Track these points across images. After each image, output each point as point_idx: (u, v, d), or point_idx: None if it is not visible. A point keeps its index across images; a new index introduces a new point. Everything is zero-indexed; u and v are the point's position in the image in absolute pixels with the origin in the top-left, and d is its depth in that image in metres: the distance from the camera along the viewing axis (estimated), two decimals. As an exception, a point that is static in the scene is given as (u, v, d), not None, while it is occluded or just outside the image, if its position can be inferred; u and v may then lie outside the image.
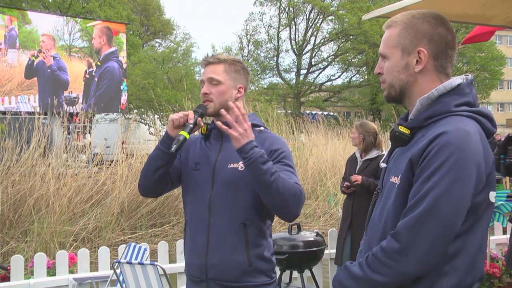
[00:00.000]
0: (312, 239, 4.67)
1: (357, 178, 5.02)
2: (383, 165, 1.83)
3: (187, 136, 2.30)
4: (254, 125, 2.47)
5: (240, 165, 2.34)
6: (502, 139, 4.93)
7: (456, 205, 1.53)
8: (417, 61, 1.70)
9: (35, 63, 17.46)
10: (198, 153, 2.48)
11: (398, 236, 1.56)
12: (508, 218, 5.18)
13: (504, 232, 6.31)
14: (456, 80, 1.69)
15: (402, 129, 1.71)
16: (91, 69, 18.99)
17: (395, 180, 1.68)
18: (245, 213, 2.34)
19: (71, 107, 17.55)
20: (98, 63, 19.03)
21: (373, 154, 5.18)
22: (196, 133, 2.57)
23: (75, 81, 18.45)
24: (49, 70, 17.83)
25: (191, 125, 2.33)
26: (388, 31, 1.77)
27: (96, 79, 18.89)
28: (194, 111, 2.39)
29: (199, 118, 2.37)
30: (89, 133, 12.28)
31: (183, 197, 2.56)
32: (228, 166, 2.37)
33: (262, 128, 2.52)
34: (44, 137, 9.83)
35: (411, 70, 1.71)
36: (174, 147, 2.26)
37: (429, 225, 1.53)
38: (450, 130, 1.56)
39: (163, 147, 2.38)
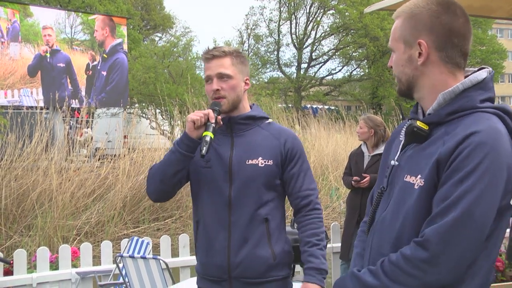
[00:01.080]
0: (314, 232, 4.66)
1: (365, 180, 4.97)
2: (393, 162, 1.68)
3: (212, 136, 2.21)
4: (262, 118, 2.44)
5: (260, 161, 2.31)
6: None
7: (490, 210, 1.43)
8: (419, 53, 1.58)
9: (48, 58, 17.50)
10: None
11: (427, 244, 1.43)
12: None
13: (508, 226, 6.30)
14: (482, 74, 1.58)
15: (420, 124, 1.58)
16: (94, 63, 18.92)
17: (413, 180, 1.55)
18: (266, 207, 2.32)
19: (73, 101, 17.56)
20: (105, 56, 18.93)
21: (382, 149, 5.11)
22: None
23: (78, 74, 18.45)
24: (63, 64, 17.83)
25: (214, 124, 2.24)
26: (395, 22, 1.66)
27: (103, 72, 18.77)
28: (212, 109, 2.29)
29: (219, 116, 2.29)
30: (90, 128, 12.30)
31: (194, 196, 2.45)
32: (247, 163, 2.31)
33: (270, 120, 2.47)
34: (47, 131, 9.83)
35: (414, 63, 1.59)
36: (204, 150, 2.16)
37: (463, 232, 1.41)
38: (483, 129, 1.45)
39: (183, 149, 2.25)
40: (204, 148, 2.17)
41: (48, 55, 17.58)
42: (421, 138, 1.58)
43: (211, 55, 2.35)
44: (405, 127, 1.64)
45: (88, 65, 18.76)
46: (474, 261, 1.47)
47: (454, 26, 1.56)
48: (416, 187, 1.53)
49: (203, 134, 2.21)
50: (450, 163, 1.46)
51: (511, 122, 1.55)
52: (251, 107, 2.48)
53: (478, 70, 1.62)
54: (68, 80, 18.08)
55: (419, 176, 1.53)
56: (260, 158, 2.31)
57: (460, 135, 1.47)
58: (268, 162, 2.32)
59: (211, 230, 2.35)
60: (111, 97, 18.41)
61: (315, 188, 2.43)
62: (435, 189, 1.49)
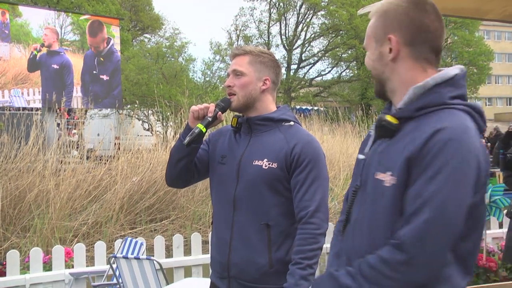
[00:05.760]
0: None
1: None
2: (361, 156, 1.66)
3: (204, 130, 2.25)
4: (283, 120, 2.38)
5: (265, 163, 2.26)
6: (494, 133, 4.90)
7: (462, 207, 1.43)
8: (390, 49, 1.59)
9: (37, 56, 17.30)
10: (226, 146, 2.40)
11: (404, 246, 1.43)
12: (505, 212, 5.20)
13: (501, 226, 6.33)
14: (453, 70, 1.57)
15: (389, 118, 1.56)
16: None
17: (383, 177, 1.53)
18: (269, 213, 2.26)
19: (70, 102, 17.43)
20: (101, 59, 18.77)
21: None
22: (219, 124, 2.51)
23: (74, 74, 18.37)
24: (56, 66, 17.66)
25: (210, 119, 2.28)
26: (370, 21, 1.68)
27: (95, 71, 18.62)
28: (216, 104, 2.33)
29: (220, 112, 2.31)
30: (78, 129, 12.26)
31: (210, 191, 2.50)
32: (253, 163, 2.28)
33: (292, 122, 2.39)
34: (42, 132, 9.80)
35: (385, 59, 1.61)
36: (187, 140, 2.25)
37: (438, 232, 1.42)
38: (451, 126, 1.45)
39: (183, 138, 2.33)
40: (188, 138, 2.24)
41: (36, 53, 17.40)
42: (390, 133, 1.57)
43: (233, 54, 2.42)
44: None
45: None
46: (451, 260, 1.48)
47: (423, 22, 1.58)
48: (387, 184, 1.51)
49: (196, 126, 2.27)
50: (421, 160, 1.45)
51: (481, 121, 1.56)
52: (278, 108, 2.43)
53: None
54: (63, 82, 17.93)
55: (389, 173, 1.51)
56: (265, 160, 2.27)
57: (429, 131, 1.46)
58: (272, 164, 2.26)
59: (219, 226, 2.38)
60: (99, 96, 18.12)
61: (319, 199, 2.24)
62: (406, 187, 1.48)
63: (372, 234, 1.55)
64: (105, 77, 18.47)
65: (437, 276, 1.47)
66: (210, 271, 2.51)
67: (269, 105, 2.40)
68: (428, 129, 1.47)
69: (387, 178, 1.52)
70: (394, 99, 1.64)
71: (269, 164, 2.26)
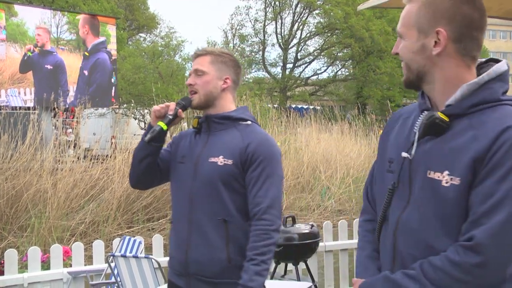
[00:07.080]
0: (307, 231, 4.70)
1: None
2: (405, 155, 1.55)
3: (164, 127, 2.32)
4: (241, 119, 2.44)
5: (220, 160, 2.32)
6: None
7: None
8: (435, 42, 1.49)
9: (30, 56, 17.22)
10: (187, 147, 2.47)
11: (479, 248, 1.36)
12: None
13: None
14: (503, 65, 1.51)
15: (441, 115, 1.47)
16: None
17: (439, 176, 1.46)
18: (226, 209, 2.31)
19: (66, 102, 17.34)
20: (86, 53, 18.62)
21: None
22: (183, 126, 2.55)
23: (69, 74, 18.24)
24: (50, 67, 17.56)
25: (171, 117, 2.35)
26: (407, 6, 1.55)
27: (85, 71, 18.43)
28: (176, 102, 2.40)
29: (180, 110, 2.38)
30: (73, 129, 12.24)
31: (170, 190, 2.56)
32: (209, 160, 2.35)
33: (249, 122, 2.45)
34: (39, 130, 9.79)
35: (428, 52, 1.50)
36: (148, 137, 2.31)
37: None
38: None
39: (145, 136, 2.39)
40: (149, 135, 2.30)
41: (30, 54, 17.32)
42: (440, 131, 1.49)
43: (196, 55, 2.50)
44: (420, 118, 1.54)
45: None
46: None
47: (474, 18, 1.50)
48: (445, 184, 1.45)
49: (157, 124, 2.33)
50: (489, 159, 1.39)
51: None
52: (238, 108, 2.51)
53: (487, 61, 1.58)
54: (57, 82, 17.82)
55: (447, 172, 1.45)
56: (221, 156, 2.33)
57: (495, 129, 1.40)
58: (227, 161, 2.33)
59: (177, 224, 2.44)
60: (94, 98, 17.97)
61: (272, 196, 2.30)
62: (470, 188, 1.42)
63: (422, 235, 1.49)
64: (86, 72, 18.23)
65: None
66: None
67: (229, 104, 2.47)
68: (493, 127, 1.41)
69: (444, 178, 1.45)
70: (434, 94, 1.56)
71: (224, 161, 2.33)
